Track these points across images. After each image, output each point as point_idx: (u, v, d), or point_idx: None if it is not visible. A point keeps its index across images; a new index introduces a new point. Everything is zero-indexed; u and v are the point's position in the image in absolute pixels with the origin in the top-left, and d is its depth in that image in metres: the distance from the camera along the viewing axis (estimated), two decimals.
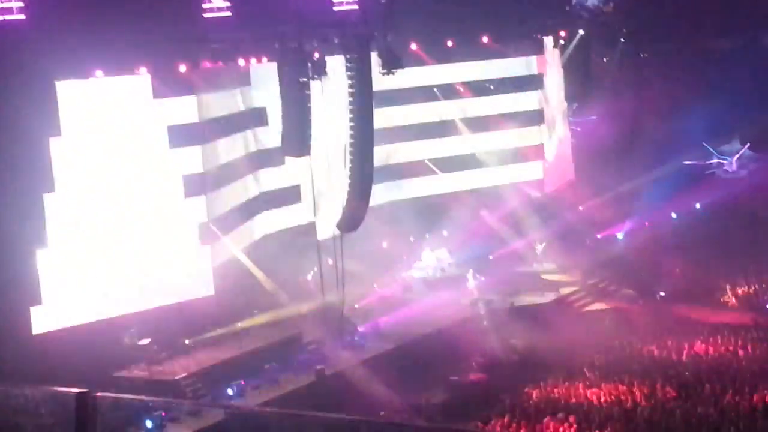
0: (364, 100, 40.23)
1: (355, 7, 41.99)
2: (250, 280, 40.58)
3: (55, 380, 31.71)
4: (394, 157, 48.17)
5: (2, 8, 34.02)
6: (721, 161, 53.51)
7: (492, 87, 50.23)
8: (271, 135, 41.97)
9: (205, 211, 39.00)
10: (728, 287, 44.11)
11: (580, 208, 51.77)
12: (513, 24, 49.59)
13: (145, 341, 36.15)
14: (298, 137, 39.84)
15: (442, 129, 49.38)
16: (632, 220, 50.63)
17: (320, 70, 40.53)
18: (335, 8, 41.95)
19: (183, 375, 34.95)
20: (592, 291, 45.77)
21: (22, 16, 34.09)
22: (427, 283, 46.07)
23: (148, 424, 31.02)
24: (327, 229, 42.81)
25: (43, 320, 35.08)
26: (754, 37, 54.01)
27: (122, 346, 36.21)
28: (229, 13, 40.93)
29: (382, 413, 32.86)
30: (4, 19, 33.95)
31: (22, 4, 34.14)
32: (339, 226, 41.20)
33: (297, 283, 42.49)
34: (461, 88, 49.60)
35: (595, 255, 48.76)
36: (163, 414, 31.04)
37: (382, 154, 45.96)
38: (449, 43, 47.99)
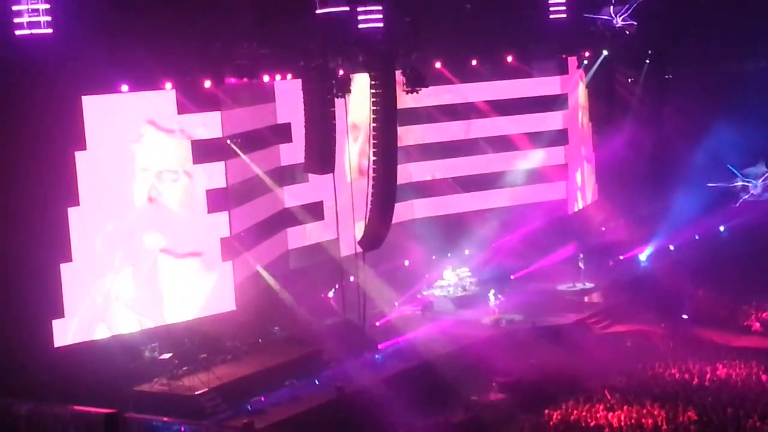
0: (387, 117, 40.25)
1: (380, 25, 41.99)
2: (271, 296, 40.61)
3: (76, 393, 32.09)
4: (417, 175, 48.21)
5: (30, 22, 34.13)
6: (746, 184, 53.31)
7: (516, 106, 50.16)
8: (294, 151, 42.05)
9: (227, 226, 39.06)
10: (752, 311, 43.79)
11: (603, 228, 51.64)
12: (537, 44, 49.58)
13: (166, 356, 36.21)
14: (321, 154, 39.93)
15: (465, 148, 49.37)
16: (655, 242, 50.44)
17: (344, 88, 40.68)
18: (360, 26, 41.95)
19: (203, 390, 34.85)
20: (615, 313, 45.52)
21: (49, 30, 34.17)
22: (448, 301, 46.00)
23: None
24: (349, 246, 42.84)
25: (64, 333, 35.18)
26: None
27: (143, 360, 36.32)
28: (253, 29, 41.13)
29: None
30: (32, 33, 34.05)
31: (49, 18, 34.25)
32: (361, 243, 41.21)
33: (318, 299, 42.51)
34: (485, 107, 49.58)
35: (618, 276, 48.56)
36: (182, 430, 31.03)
37: (406, 172, 46.06)
38: (474, 62, 48.07)
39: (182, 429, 30.95)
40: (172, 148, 37.82)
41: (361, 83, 41.34)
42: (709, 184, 52.25)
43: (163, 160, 37.68)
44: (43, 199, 34.29)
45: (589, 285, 47.97)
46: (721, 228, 51.61)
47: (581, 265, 48.29)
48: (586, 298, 47.31)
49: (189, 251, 38.21)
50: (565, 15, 49.54)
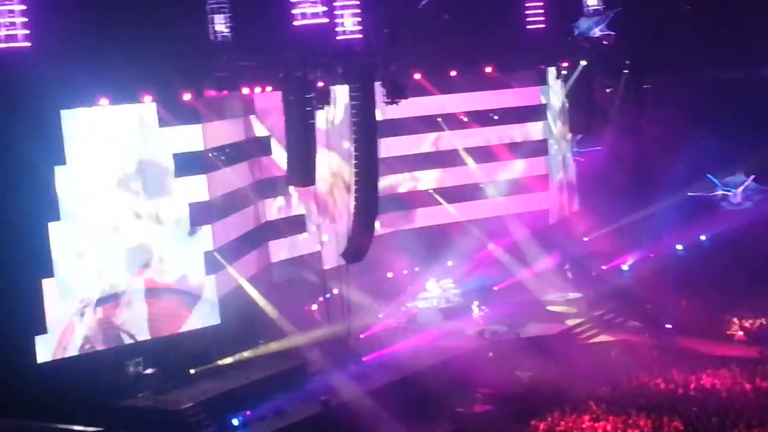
0: (368, 129, 40.19)
1: (359, 36, 41.93)
2: (255, 309, 40.38)
3: (60, 410, 31.84)
4: (399, 186, 48.12)
5: (7, 35, 33.91)
6: (726, 193, 53.38)
7: (496, 117, 50.14)
8: (275, 164, 41.85)
9: (210, 240, 38.83)
10: (735, 320, 43.90)
11: (585, 239, 51.63)
12: (516, 54, 49.55)
13: (150, 371, 35.98)
14: (303, 167, 39.79)
15: (446, 159, 49.27)
16: (637, 252, 50.46)
17: (324, 100, 40.60)
18: (339, 37, 41.88)
19: (188, 405, 34.67)
20: (598, 323, 45.54)
21: (28, 44, 33.99)
22: (432, 313, 45.90)
23: None
24: (332, 258, 42.69)
25: (47, 349, 34.90)
26: (758, 69, 54.03)
27: (127, 375, 36.04)
28: (232, 41, 40.91)
29: None
30: (9, 47, 33.82)
31: (27, 32, 34.06)
32: (344, 255, 41.05)
33: (302, 312, 42.34)
34: (465, 118, 49.53)
35: (601, 286, 48.58)
36: None
37: (387, 183, 45.95)
38: (453, 73, 47.96)
39: None
40: (153, 161, 37.53)
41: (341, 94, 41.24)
42: (689, 194, 52.27)
43: (145, 174, 37.40)
44: (24, 214, 34.06)
45: (576, 295, 47.93)
46: (703, 237, 51.64)
47: (569, 274, 48.28)
48: (569, 309, 47.23)
49: (172, 265, 37.89)
50: (543, 25, 49.59)
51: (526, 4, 49.46)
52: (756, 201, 52.48)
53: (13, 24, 34.07)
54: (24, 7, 33.97)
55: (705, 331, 43.40)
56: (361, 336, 42.33)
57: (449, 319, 45.08)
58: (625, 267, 50.36)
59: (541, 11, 49.75)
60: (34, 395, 32.67)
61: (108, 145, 36.64)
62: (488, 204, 49.94)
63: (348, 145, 40.73)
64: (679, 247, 51.22)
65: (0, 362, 33.40)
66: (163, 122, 37.64)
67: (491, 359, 40.94)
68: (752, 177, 53.19)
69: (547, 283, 48.61)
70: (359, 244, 40.74)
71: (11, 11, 33.90)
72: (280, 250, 43.22)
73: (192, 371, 36.92)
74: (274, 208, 42.93)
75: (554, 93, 51.83)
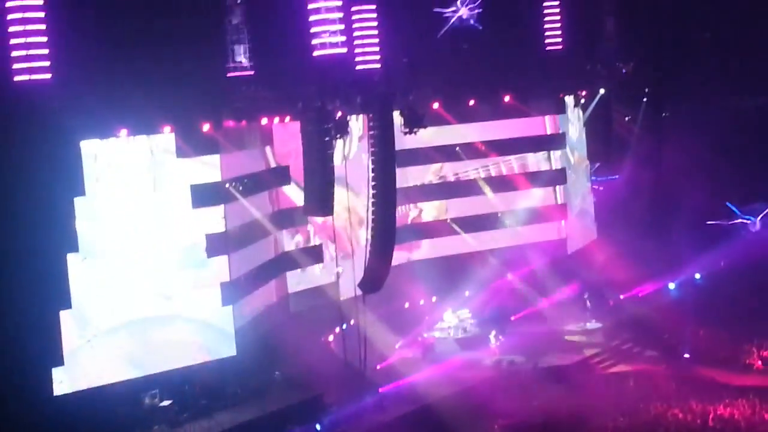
0: (386, 159, 40.24)
1: (378, 66, 42.10)
2: (272, 340, 40.39)
3: None
4: (417, 216, 48.16)
5: (29, 68, 34.21)
6: (745, 221, 53.27)
7: (514, 146, 50.15)
8: (293, 194, 41.95)
9: (227, 270, 38.90)
10: (753, 349, 43.63)
11: (603, 268, 51.51)
12: (534, 83, 49.61)
13: (166, 402, 36.02)
14: (320, 197, 39.81)
15: (464, 188, 49.30)
16: (656, 281, 50.33)
17: (342, 130, 40.64)
18: (358, 67, 42.06)
19: None
20: (616, 352, 45.38)
21: (48, 76, 34.27)
22: (449, 343, 45.83)
23: None
24: (349, 289, 42.72)
25: (64, 381, 35.02)
26: None
27: (143, 407, 36.09)
28: (251, 72, 41.21)
29: None
30: (31, 78, 34.10)
31: (48, 63, 34.35)
32: (361, 286, 41.06)
33: (319, 343, 42.34)
34: (483, 147, 49.56)
35: (619, 316, 48.44)
36: None
37: (404, 213, 45.99)
38: (471, 102, 48.06)
39: None
40: (171, 192, 37.71)
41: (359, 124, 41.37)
42: (709, 222, 52.17)
43: (162, 205, 37.58)
44: (43, 245, 34.09)
45: (596, 324, 47.82)
46: (722, 264, 51.47)
47: (588, 304, 48.22)
48: (586, 339, 47.09)
49: (188, 296, 38.01)
50: (561, 47, 49.53)
51: (545, 34, 49.67)
52: None
53: (34, 56, 34.35)
54: (45, 39, 34.26)
55: (723, 361, 43.14)
56: (378, 367, 42.23)
57: (466, 349, 44.92)
58: (672, 286, 50.16)
59: (560, 40, 49.94)
60: (50, 428, 32.80)
61: (127, 177, 36.80)
62: (506, 233, 49.91)
63: (366, 174, 40.63)
64: (697, 276, 51.10)
65: (17, 394, 33.40)
66: (181, 153, 37.76)
67: (508, 390, 40.70)
68: None
69: (566, 312, 48.47)
70: (376, 275, 40.75)
71: (32, 44, 34.21)
72: (297, 280, 43.29)
73: (208, 403, 36.88)
74: (291, 239, 42.98)
75: (572, 121, 51.82)
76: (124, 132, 36.25)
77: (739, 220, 53.42)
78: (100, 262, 35.94)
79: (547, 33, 49.48)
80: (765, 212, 52.96)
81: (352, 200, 42.41)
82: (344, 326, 42.63)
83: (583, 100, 51.31)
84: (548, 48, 49.61)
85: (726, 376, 41.68)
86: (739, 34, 52.98)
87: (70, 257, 35.19)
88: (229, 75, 40.95)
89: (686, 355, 44.27)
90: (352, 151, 43.92)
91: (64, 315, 34.99)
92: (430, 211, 48.96)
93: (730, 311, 46.89)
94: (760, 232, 53.76)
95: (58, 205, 34.75)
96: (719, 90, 54.40)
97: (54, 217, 34.62)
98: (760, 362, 43.12)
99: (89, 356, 35.66)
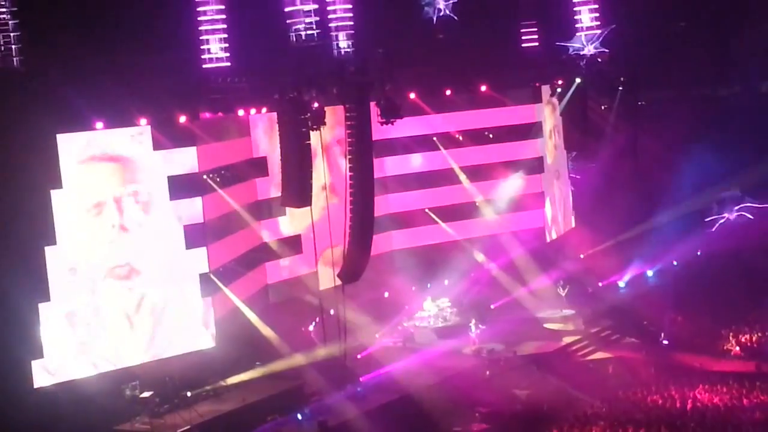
0: (363, 149, 40.27)
1: (354, 57, 42.08)
2: (251, 331, 40.39)
3: None
4: (394, 206, 48.18)
5: (3, 58, 34.16)
6: (722, 209, 53.53)
7: (491, 135, 50.25)
8: (271, 185, 41.93)
9: (206, 262, 38.86)
10: (731, 335, 43.87)
11: (582, 256, 51.70)
12: (511, 73, 49.74)
13: (147, 394, 35.94)
14: (298, 187, 39.81)
15: (441, 178, 49.37)
16: (634, 268, 50.54)
17: (319, 120, 40.57)
18: (334, 58, 42.04)
19: (185, 428, 34.58)
20: (595, 339, 45.52)
21: (23, 69, 34.23)
22: (429, 332, 45.88)
23: None
24: (328, 279, 42.72)
25: (44, 374, 34.91)
26: (752, 84, 54.26)
27: (124, 399, 36.01)
28: (228, 64, 41.20)
29: None
30: (4, 70, 34.04)
31: (22, 57, 34.31)
32: (340, 276, 41.06)
33: (299, 333, 42.33)
34: (460, 137, 49.66)
35: (598, 303, 48.61)
36: None
37: (382, 203, 46.01)
38: (448, 92, 48.12)
39: None
40: (148, 184, 37.61)
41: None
42: (685, 209, 52.38)
43: (140, 197, 37.48)
44: (20, 238, 34.15)
45: (569, 312, 47.97)
46: (698, 253, 51.75)
47: (561, 292, 48.33)
48: (566, 326, 47.25)
49: (168, 288, 37.95)
50: (537, 44, 49.82)
51: (521, 23, 49.83)
52: (751, 217, 52.69)
53: (9, 49, 34.26)
54: (19, 33, 34.17)
55: (702, 347, 43.35)
56: (358, 356, 42.25)
57: (446, 338, 44.99)
58: (621, 283, 50.43)
59: (535, 29, 50.11)
60: (31, 420, 32.69)
61: (103, 169, 36.67)
62: (484, 222, 50.02)
63: (343, 165, 40.66)
64: (675, 263, 51.34)
65: None
66: (158, 145, 37.68)
67: (489, 378, 40.86)
68: (746, 192, 53.40)
69: (544, 300, 48.61)
70: (355, 265, 40.77)
71: (7, 35, 34.13)
72: (276, 271, 43.26)
73: (188, 394, 36.84)
74: (269, 230, 42.92)
75: (549, 111, 51.94)
76: (100, 124, 36.12)
77: (716, 208, 53.67)
78: (77, 255, 35.80)
79: (522, 27, 49.70)
80: (741, 200, 53.21)
81: (337, 188, 42.31)
82: (324, 316, 42.60)
83: (559, 90, 51.47)
84: (524, 38, 49.81)
85: (704, 361, 41.87)
86: (715, 23, 53.29)
87: (48, 250, 35.05)
88: (204, 66, 40.96)
89: (665, 342, 44.45)
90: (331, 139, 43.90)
91: (42, 307, 34.89)
92: (422, 202, 49.10)
93: (708, 298, 47.12)
94: (736, 220, 54.05)
95: (35, 197, 34.72)
96: (695, 79, 54.66)
97: (31, 210, 34.59)
98: (737, 348, 43.35)
99: (69, 348, 35.53)
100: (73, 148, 35.86)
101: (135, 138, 37.33)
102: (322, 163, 42.45)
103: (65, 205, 35.60)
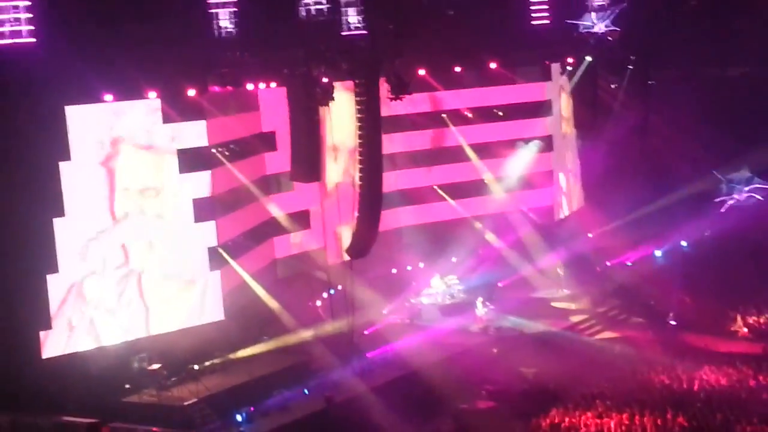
0: (372, 125, 40.14)
1: (364, 32, 41.90)
2: (259, 305, 40.45)
3: (64, 404, 31.94)
4: (403, 182, 48.11)
5: (12, 32, 33.96)
6: (731, 189, 53.31)
7: (500, 113, 50.11)
8: (280, 160, 41.87)
9: (214, 235, 38.86)
10: (738, 316, 43.86)
11: (590, 235, 51.57)
12: (521, 50, 49.53)
13: (155, 366, 36.02)
14: (307, 162, 39.79)
15: (450, 155, 49.27)
16: (642, 248, 50.42)
17: (328, 96, 40.48)
18: (344, 33, 41.87)
19: (192, 401, 34.67)
20: (603, 319, 45.57)
21: (32, 40, 34.06)
22: (436, 309, 45.89)
23: None
24: (337, 254, 42.69)
25: (52, 345, 34.98)
26: (763, 65, 53.92)
27: (132, 371, 36.08)
28: (237, 38, 40.99)
29: None
30: (14, 42, 33.86)
31: (32, 27, 34.14)
32: (348, 251, 41.04)
33: (306, 308, 42.36)
34: (470, 114, 49.52)
35: (605, 283, 48.57)
36: None
37: (391, 179, 45.95)
38: (457, 69, 47.95)
39: None
40: (157, 157, 37.58)
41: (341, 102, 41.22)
42: (694, 190, 52.17)
43: (149, 170, 37.48)
44: (29, 210, 34.15)
45: (566, 292, 47.91)
46: (707, 233, 51.58)
47: (560, 272, 48.28)
48: (573, 305, 47.25)
49: (176, 261, 37.94)
50: (548, 21, 49.58)
51: (532, 1, 49.57)
52: (761, 198, 52.45)
53: (17, 20, 34.16)
54: (29, 3, 34.02)
55: (709, 328, 43.39)
56: (365, 332, 42.36)
57: (453, 315, 45.00)
58: (629, 263, 50.32)
59: (546, 7, 49.86)
60: (39, 391, 32.81)
61: (113, 142, 36.61)
62: (493, 200, 49.94)
63: (349, 150, 40.55)
64: (683, 243, 51.20)
65: (5, 358, 33.55)
66: (167, 118, 37.65)
67: (495, 356, 40.89)
68: (757, 174, 53.14)
69: (550, 279, 48.58)
70: (364, 240, 40.72)
71: (16, 7, 33.97)
72: (284, 246, 43.24)
73: (196, 367, 36.91)
74: (278, 204, 42.87)
75: (559, 89, 51.76)
76: (109, 97, 36.02)
77: (725, 189, 53.44)
78: (86, 227, 35.82)
79: (533, 4, 49.43)
80: (750, 181, 52.97)
81: (348, 163, 42.18)
82: (332, 292, 42.62)
83: (569, 68, 51.27)
84: (534, 16, 49.57)
85: (711, 342, 41.91)
86: (727, 2, 52.94)
87: (56, 222, 35.05)
88: (214, 40, 40.78)
89: (672, 322, 44.44)
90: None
91: (51, 279, 34.90)
92: (432, 179, 48.97)
93: (716, 279, 47.06)
94: (745, 201, 53.83)
95: (44, 169, 34.72)
96: (706, 58, 54.31)
97: (40, 182, 34.61)
98: (745, 329, 43.37)
99: (77, 320, 35.56)
100: (81, 120, 35.70)
101: (144, 111, 37.20)
102: (331, 139, 42.28)
103: (74, 177, 35.50)
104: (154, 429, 32.30)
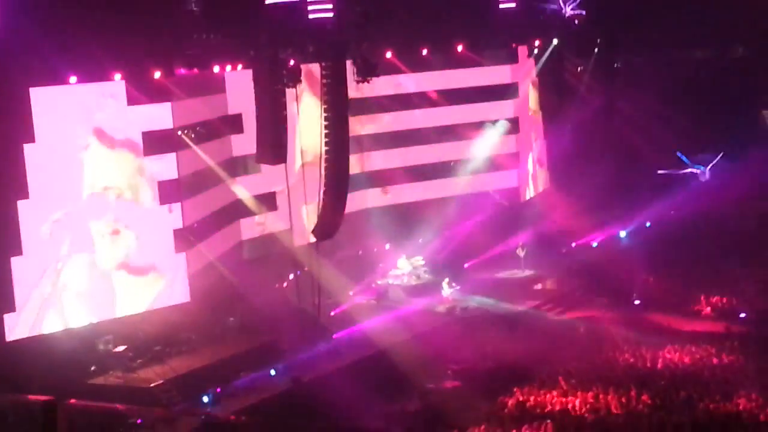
0: (338, 107, 40.24)
1: (331, 14, 41.86)
2: (225, 287, 40.41)
3: (29, 388, 31.79)
4: (369, 164, 48.21)
5: None
6: (695, 171, 53.81)
7: (467, 95, 50.24)
8: (246, 142, 41.86)
9: (180, 217, 38.81)
10: (702, 296, 44.21)
11: (555, 216, 51.89)
12: (488, 33, 49.67)
13: (120, 348, 36.00)
14: (273, 144, 39.79)
15: (417, 137, 49.38)
16: (606, 229, 50.81)
17: (295, 78, 40.52)
18: (310, 16, 41.79)
19: (158, 382, 34.59)
20: (567, 299, 45.80)
21: None
22: (402, 290, 46.08)
23: None
24: (303, 236, 42.76)
25: (16, 327, 34.84)
26: (728, 48, 54.40)
27: (97, 353, 36.04)
28: (203, 19, 40.91)
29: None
30: None
31: None
32: (315, 233, 41.12)
33: (273, 290, 42.41)
34: (436, 97, 49.64)
35: (570, 263, 48.88)
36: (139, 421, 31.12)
37: (358, 161, 46.04)
38: (424, 52, 48.04)
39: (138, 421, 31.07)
40: (122, 139, 37.47)
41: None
42: (659, 171, 52.63)
43: (114, 152, 37.35)
44: None
45: (529, 272, 48.25)
46: (671, 213, 52.02)
47: (520, 253, 48.57)
48: (538, 285, 47.55)
49: (141, 243, 37.92)
50: (515, 4, 49.71)
51: None
52: (724, 179, 52.97)
53: None
54: None
55: (673, 307, 43.72)
56: (332, 313, 42.46)
57: (420, 296, 45.18)
58: (594, 244, 50.70)
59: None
60: (3, 374, 32.66)
61: (77, 123, 36.48)
62: (459, 181, 50.10)
63: (318, 122, 40.56)
64: (647, 223, 51.62)
65: None
66: (132, 100, 37.48)
67: (461, 335, 41.05)
68: (721, 154, 53.65)
69: (515, 260, 48.87)
70: (330, 222, 40.86)
71: None
72: (250, 227, 43.27)
73: (162, 348, 36.91)
74: (244, 186, 42.88)
75: (525, 71, 51.94)
76: (74, 78, 35.86)
77: (689, 170, 53.94)
78: (50, 209, 35.66)
79: None
80: (714, 162, 53.48)
81: (313, 145, 42.17)
82: (298, 273, 42.70)
83: (536, 50, 51.46)
84: (502, 4, 49.73)
85: (675, 322, 42.21)
86: None
87: (20, 204, 34.88)
88: (180, 22, 40.65)
89: (636, 302, 44.76)
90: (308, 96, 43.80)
91: (15, 261, 34.72)
92: (398, 160, 49.10)
93: (680, 259, 47.51)
94: (709, 182, 54.34)
95: (8, 151, 34.45)
96: (671, 41, 54.70)
97: (4, 164, 34.35)
98: (708, 308, 43.73)
99: (41, 302, 35.45)
100: (45, 101, 35.52)
101: (109, 93, 37.07)
102: (297, 121, 42.30)
103: (38, 158, 35.33)
104: (118, 405, 32.25)
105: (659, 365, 37.13)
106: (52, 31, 34.22)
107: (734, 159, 53.56)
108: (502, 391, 35.44)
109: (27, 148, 35.10)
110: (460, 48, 48.65)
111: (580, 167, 51.81)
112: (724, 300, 44.10)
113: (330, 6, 41.75)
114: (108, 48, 35.87)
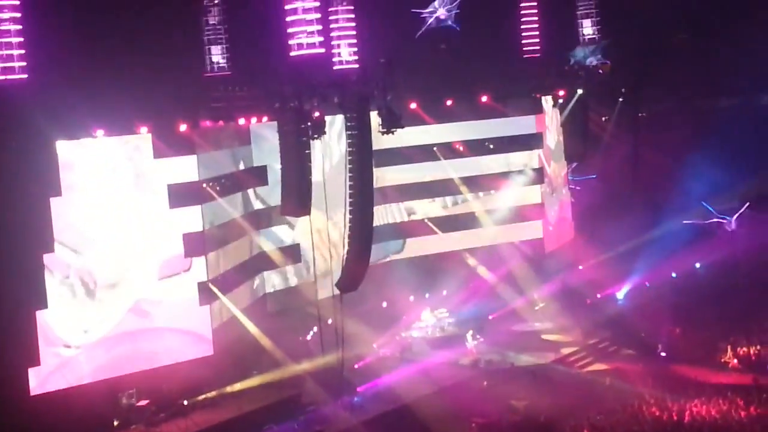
0: (363, 158, 40.27)
1: (356, 66, 42.10)
2: (249, 340, 40.40)
3: None
4: (394, 216, 48.21)
5: (4, 68, 34.13)
6: (721, 220, 53.49)
7: (492, 146, 50.27)
8: (271, 194, 41.98)
9: (204, 270, 38.88)
10: (729, 347, 43.85)
11: (580, 267, 51.70)
12: (512, 83, 49.76)
13: (143, 402, 35.97)
14: (297, 196, 39.78)
15: (441, 188, 49.39)
16: (632, 280, 50.53)
17: (320, 130, 40.60)
18: (335, 67, 42.07)
19: None
20: (593, 351, 45.53)
21: (24, 76, 34.23)
22: (426, 343, 45.90)
23: None
24: (327, 288, 42.73)
25: (41, 381, 34.94)
26: (753, 96, 54.25)
27: (120, 407, 36.03)
28: (228, 72, 41.28)
29: None
30: (6, 79, 34.02)
31: (24, 64, 34.31)
32: (339, 285, 41.10)
33: (296, 343, 42.35)
34: (461, 147, 49.69)
35: (596, 315, 48.60)
36: None
37: (382, 213, 46.06)
38: (449, 102, 48.15)
39: None
40: (148, 192, 37.68)
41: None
42: (684, 222, 52.36)
43: (139, 205, 37.56)
44: (19, 245, 34.06)
45: (553, 324, 48.00)
46: (697, 265, 51.72)
47: (536, 306, 48.36)
48: (563, 338, 47.29)
49: (166, 296, 37.98)
50: (539, 54, 49.87)
51: (523, 34, 49.89)
52: (751, 229, 52.62)
53: (10, 56, 34.31)
54: (21, 39, 34.22)
55: (699, 359, 43.35)
56: (356, 366, 42.32)
57: (444, 348, 44.97)
58: (620, 295, 50.42)
59: (537, 40, 50.17)
60: (27, 427, 32.71)
61: (103, 177, 36.73)
62: (484, 233, 50.02)
63: (343, 174, 40.65)
64: (673, 274, 51.31)
65: None
66: (158, 153, 37.73)
67: (485, 389, 40.87)
68: (747, 204, 53.33)
69: (541, 311, 48.66)
70: (354, 274, 40.77)
71: (9, 44, 34.15)
72: (275, 280, 43.31)
73: (185, 402, 36.87)
74: (269, 238, 42.94)
75: (550, 122, 51.97)
76: (100, 132, 36.15)
77: (715, 220, 53.63)
78: (76, 263, 35.84)
79: (524, 38, 49.77)
80: (740, 212, 53.14)
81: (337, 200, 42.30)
82: (322, 326, 42.62)
83: (560, 100, 51.49)
84: (525, 49, 49.91)
85: (702, 374, 41.82)
86: (716, 34, 53.23)
87: (47, 257, 35.08)
88: (206, 75, 41.00)
89: (662, 354, 44.45)
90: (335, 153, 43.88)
91: (40, 315, 34.89)
92: (422, 212, 49.21)
93: (706, 310, 47.11)
94: (735, 231, 53.99)
95: (34, 205, 34.68)
96: (696, 90, 54.60)
97: (30, 217, 34.56)
98: (735, 360, 43.34)
99: (65, 357, 35.57)
100: (72, 155, 35.83)
101: (135, 146, 37.33)
102: (321, 173, 42.44)
103: (64, 212, 35.56)
104: None
105: (686, 418, 36.79)
106: (79, 85, 34.61)
107: (760, 208, 53.26)
108: None
109: (53, 201, 35.31)
110: (484, 98, 48.70)
111: (605, 217, 51.66)
112: (752, 351, 43.71)
113: (355, 58, 42.01)
114: (134, 101, 36.20)
